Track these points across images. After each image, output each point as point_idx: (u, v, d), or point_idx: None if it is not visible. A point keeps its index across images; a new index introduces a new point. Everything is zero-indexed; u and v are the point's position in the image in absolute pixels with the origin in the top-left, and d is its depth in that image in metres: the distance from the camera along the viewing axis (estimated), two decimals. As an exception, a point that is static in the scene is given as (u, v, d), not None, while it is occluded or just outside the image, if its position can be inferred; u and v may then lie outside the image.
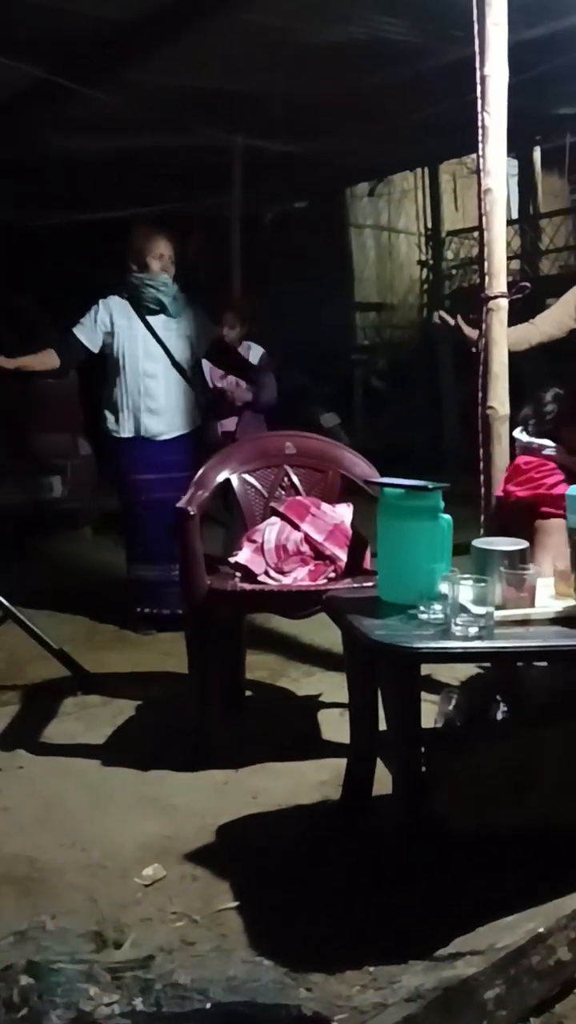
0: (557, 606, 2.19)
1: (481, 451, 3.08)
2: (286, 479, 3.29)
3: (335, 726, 2.98)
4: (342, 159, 7.19)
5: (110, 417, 4.19)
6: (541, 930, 1.68)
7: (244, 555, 3.01)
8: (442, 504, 2.29)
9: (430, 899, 2.01)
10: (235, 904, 2.08)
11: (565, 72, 5.20)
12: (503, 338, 3.03)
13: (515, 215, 9.92)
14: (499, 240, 3.01)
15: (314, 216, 9.81)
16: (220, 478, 3.18)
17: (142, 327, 4.16)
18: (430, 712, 2.93)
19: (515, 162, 9.58)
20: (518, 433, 3.16)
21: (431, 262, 10.36)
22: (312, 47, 4.70)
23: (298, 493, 3.26)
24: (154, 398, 4.16)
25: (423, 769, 2.19)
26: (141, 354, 4.16)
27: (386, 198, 10.44)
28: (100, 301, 4.19)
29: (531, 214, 9.85)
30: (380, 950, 1.85)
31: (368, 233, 10.43)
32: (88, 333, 4.16)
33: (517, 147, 8.94)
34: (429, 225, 10.31)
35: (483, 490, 3.08)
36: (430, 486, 2.30)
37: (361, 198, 10.27)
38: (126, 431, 4.17)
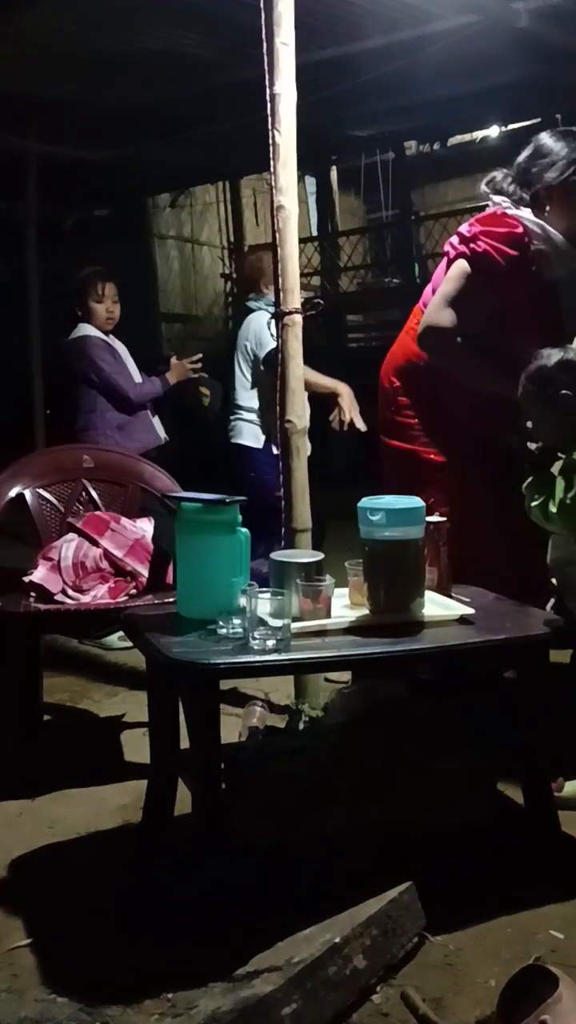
0: (351, 616, 2.23)
1: (280, 463, 3.12)
2: (84, 494, 3.20)
3: (138, 747, 2.91)
4: (142, 168, 7.13)
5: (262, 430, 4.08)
6: (337, 940, 1.69)
7: (39, 574, 2.90)
8: (240, 518, 2.29)
9: (231, 918, 1.99)
10: (27, 941, 1.98)
11: (357, 95, 5.38)
12: (299, 352, 3.08)
13: (315, 232, 10.17)
14: (292, 257, 3.05)
15: (116, 224, 9.66)
16: (12, 492, 3.05)
17: None
18: (236, 726, 2.93)
19: (313, 180, 9.84)
20: None
21: (235, 275, 10.44)
22: (106, 55, 4.63)
23: (97, 508, 3.18)
24: None
25: (223, 785, 2.17)
26: None
27: (188, 210, 10.44)
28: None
29: (329, 232, 10.13)
30: (179, 975, 1.81)
31: (171, 244, 10.39)
32: None
33: (314, 166, 9.19)
34: (232, 239, 10.39)
35: (283, 503, 3.11)
36: (227, 500, 2.29)
37: (163, 209, 10.22)
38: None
